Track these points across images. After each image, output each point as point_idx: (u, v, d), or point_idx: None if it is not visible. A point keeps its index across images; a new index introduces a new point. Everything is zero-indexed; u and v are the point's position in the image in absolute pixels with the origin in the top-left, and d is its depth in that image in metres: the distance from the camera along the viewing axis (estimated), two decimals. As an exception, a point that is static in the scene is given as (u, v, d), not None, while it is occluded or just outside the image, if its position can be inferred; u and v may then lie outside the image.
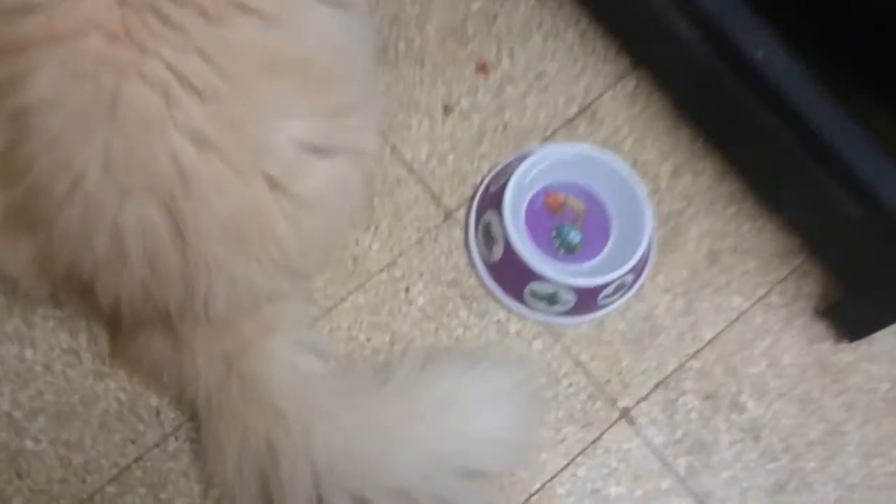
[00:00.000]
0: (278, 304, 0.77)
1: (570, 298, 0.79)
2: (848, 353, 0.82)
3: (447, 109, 0.88)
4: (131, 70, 0.61)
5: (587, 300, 0.80)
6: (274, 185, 0.67)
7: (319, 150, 0.68)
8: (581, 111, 0.88)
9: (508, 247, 0.79)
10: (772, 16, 0.74)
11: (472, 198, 0.85)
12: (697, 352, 0.82)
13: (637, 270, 0.81)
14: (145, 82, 0.61)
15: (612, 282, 0.78)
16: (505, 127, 0.87)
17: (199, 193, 0.64)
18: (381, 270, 0.83)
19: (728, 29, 0.74)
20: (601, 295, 0.79)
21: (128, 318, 0.73)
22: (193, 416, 0.78)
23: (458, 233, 0.85)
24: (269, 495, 0.74)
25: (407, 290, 0.83)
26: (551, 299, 0.80)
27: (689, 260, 0.85)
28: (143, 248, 0.66)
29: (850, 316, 0.81)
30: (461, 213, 0.85)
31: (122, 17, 0.61)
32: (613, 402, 0.80)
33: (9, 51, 0.62)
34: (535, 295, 0.80)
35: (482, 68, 0.89)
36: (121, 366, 0.81)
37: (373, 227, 0.84)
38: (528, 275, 0.79)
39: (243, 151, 0.65)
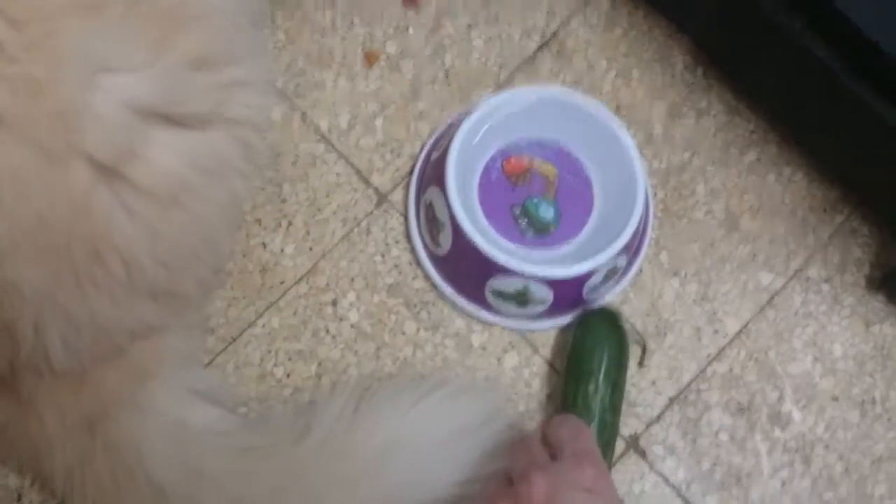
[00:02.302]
0: (153, 342, 0.55)
1: (546, 295, 0.56)
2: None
3: (370, 57, 0.63)
4: None
5: (569, 295, 0.57)
6: (102, 169, 0.43)
7: (171, 119, 0.45)
8: (544, 44, 0.64)
9: (458, 232, 0.56)
10: None
11: (411, 173, 0.61)
12: (721, 350, 0.59)
13: (631, 249, 0.58)
14: None
15: (600, 268, 0.55)
16: (446, 74, 0.63)
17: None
18: (300, 280, 0.60)
19: None
20: (586, 286, 0.56)
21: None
22: (63, 500, 0.56)
23: (395, 221, 0.61)
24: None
25: (334, 303, 0.60)
26: (521, 298, 0.56)
27: (700, 229, 0.61)
28: None
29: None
30: (398, 195, 0.61)
31: None
32: (615, 425, 0.58)
33: None
34: (499, 294, 0.57)
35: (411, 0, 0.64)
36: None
37: (284, 224, 0.61)
38: (488, 267, 0.55)
39: (51, 125, 0.41)
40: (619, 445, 0.57)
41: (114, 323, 0.50)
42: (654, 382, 0.58)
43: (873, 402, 0.58)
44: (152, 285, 0.49)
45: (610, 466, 0.56)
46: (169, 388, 0.54)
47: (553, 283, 0.56)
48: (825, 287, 0.60)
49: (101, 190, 0.44)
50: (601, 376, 0.56)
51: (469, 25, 0.64)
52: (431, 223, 0.59)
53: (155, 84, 0.45)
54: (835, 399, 0.58)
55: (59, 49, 0.42)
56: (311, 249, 0.61)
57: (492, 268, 0.56)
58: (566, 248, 0.59)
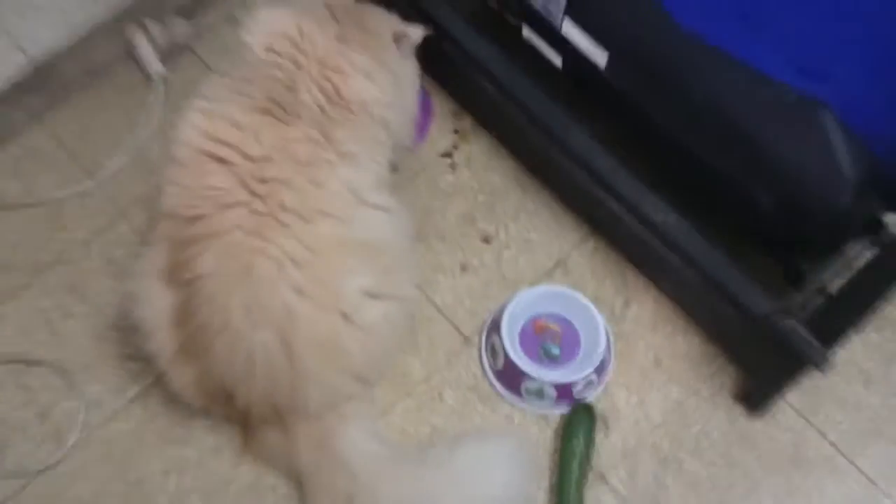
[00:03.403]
0: (351, 404, 1.04)
1: (552, 392, 1.04)
2: (757, 423, 1.03)
3: (463, 268, 1.17)
4: (258, 252, 0.92)
5: (565, 394, 1.04)
6: (346, 318, 0.95)
7: (374, 296, 0.98)
8: (556, 265, 1.17)
9: (508, 359, 1.05)
10: (664, 191, 1.02)
11: (482, 328, 1.12)
12: (650, 430, 1.05)
13: (599, 372, 1.05)
14: (267, 258, 0.92)
15: (581, 379, 1.03)
16: (503, 278, 1.16)
17: (300, 326, 0.93)
18: (422, 381, 1.10)
19: (639, 204, 1.02)
20: (575, 390, 1.04)
21: (254, 417, 1.01)
22: (297, 487, 1.03)
23: (473, 352, 1.11)
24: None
25: (440, 395, 1.09)
26: (539, 394, 1.04)
27: (639, 364, 1.09)
28: (266, 365, 0.94)
29: (754, 396, 1.03)
30: (475, 338, 1.12)
31: (253, 222, 0.93)
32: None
33: (187, 242, 0.94)
34: (528, 391, 1.05)
35: (486, 240, 1.19)
36: (249, 453, 1.07)
37: (416, 352, 1.11)
38: (522, 376, 1.04)
39: (327, 296, 0.94)
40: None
41: (340, 391, 1.00)
42: (613, 446, 1.03)
43: (736, 460, 1.01)
44: (359, 375, 1.00)
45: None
46: (357, 428, 1.02)
47: (556, 386, 1.04)
48: (710, 398, 1.06)
49: (344, 328, 0.96)
50: (581, 439, 1.02)
51: (515, 255, 1.18)
52: (493, 353, 1.08)
53: (371, 281, 0.98)
54: (714, 456, 1.02)
55: (332, 265, 0.95)
56: (428, 365, 1.11)
57: (524, 377, 1.04)
58: (565, 369, 1.07)
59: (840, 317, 0.88)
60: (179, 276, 0.96)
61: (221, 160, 0.96)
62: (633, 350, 1.10)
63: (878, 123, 0.87)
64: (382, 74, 1.04)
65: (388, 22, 1.09)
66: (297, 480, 1.03)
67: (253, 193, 0.93)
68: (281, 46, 1.00)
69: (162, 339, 0.99)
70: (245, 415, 1.02)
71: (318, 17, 1.03)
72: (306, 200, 0.95)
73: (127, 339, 1.12)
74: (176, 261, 0.96)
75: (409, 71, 1.12)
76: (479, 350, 1.12)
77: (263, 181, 0.93)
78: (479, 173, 1.24)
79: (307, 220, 0.95)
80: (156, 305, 0.98)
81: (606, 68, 1.03)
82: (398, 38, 1.07)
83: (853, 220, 0.89)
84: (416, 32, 1.09)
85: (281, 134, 0.96)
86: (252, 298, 0.93)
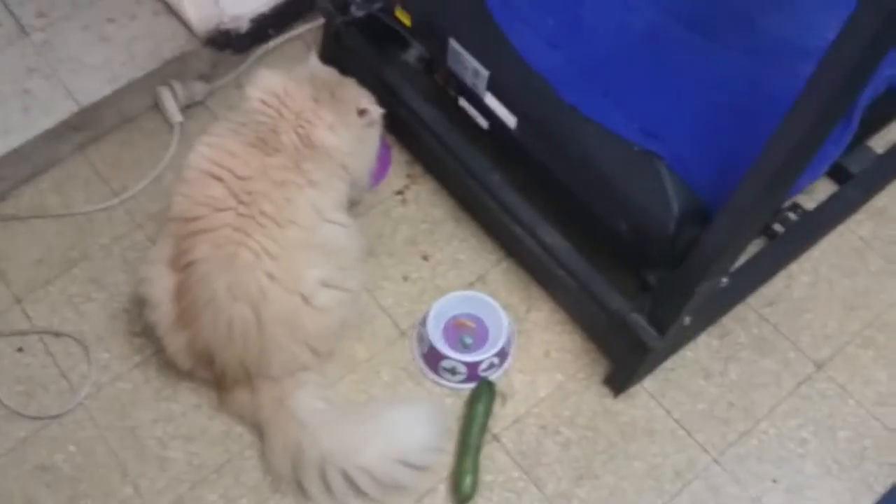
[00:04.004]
0: (306, 374, 1.31)
1: (463, 370, 1.32)
2: (619, 403, 1.31)
3: (405, 278, 1.46)
4: (241, 245, 1.21)
5: (472, 372, 1.32)
6: (305, 300, 1.24)
7: (328, 285, 1.27)
8: (478, 279, 1.47)
9: (430, 344, 1.34)
10: (554, 221, 1.33)
11: (415, 323, 1.41)
12: (536, 404, 1.32)
13: (500, 356, 1.34)
14: (248, 250, 1.21)
15: (484, 360, 1.32)
16: (436, 287, 1.46)
17: (269, 303, 1.22)
18: (365, 361, 1.38)
19: (536, 229, 1.33)
20: (480, 368, 1.32)
21: (228, 379, 1.29)
22: (260, 436, 1.29)
23: (407, 342, 1.40)
24: (297, 472, 1.24)
25: (378, 372, 1.37)
26: (453, 371, 1.32)
27: (533, 354, 1.38)
28: (241, 332, 1.23)
29: (617, 380, 1.31)
30: (410, 332, 1.41)
31: (239, 222, 1.22)
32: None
33: (188, 235, 1.24)
34: (444, 369, 1.33)
35: (425, 258, 1.49)
36: (222, 409, 1.34)
37: (361, 340, 1.40)
38: (441, 357, 1.32)
39: (291, 281, 1.23)
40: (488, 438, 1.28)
41: (298, 360, 1.28)
42: (507, 414, 1.30)
43: (592, 428, 1.28)
44: (313, 347, 1.28)
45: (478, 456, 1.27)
46: (309, 391, 1.29)
47: (466, 364, 1.32)
48: (584, 381, 1.33)
49: (303, 308, 1.25)
50: (482, 407, 1.29)
51: (447, 270, 1.47)
52: (421, 341, 1.36)
53: (326, 274, 1.27)
54: (583, 427, 1.28)
55: (297, 259, 1.25)
56: (371, 349, 1.39)
57: (442, 357, 1.32)
58: (476, 354, 1.35)
59: (667, 312, 1.17)
60: (180, 262, 1.25)
61: (218, 178, 1.25)
62: (531, 344, 1.39)
63: (697, 172, 1.19)
64: (344, 130, 1.33)
65: (357, 95, 1.37)
66: (260, 430, 1.30)
67: (240, 201, 1.23)
68: (270, 100, 1.32)
69: (163, 312, 1.27)
70: (221, 376, 1.29)
71: (301, 81, 1.35)
72: (280, 212, 1.24)
73: (134, 320, 1.42)
74: (178, 251, 1.25)
75: (369, 134, 1.41)
76: (411, 339, 1.40)
77: (249, 193, 1.23)
78: (424, 208, 1.55)
79: (280, 226, 1.24)
80: (161, 285, 1.27)
81: (515, 129, 1.35)
82: (360, 112, 1.35)
83: (678, 242, 1.19)
84: (377, 110, 1.37)
85: (264, 161, 1.26)
86: (234, 279, 1.21)
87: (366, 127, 1.38)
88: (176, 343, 1.29)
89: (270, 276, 1.22)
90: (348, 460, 1.23)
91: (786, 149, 0.92)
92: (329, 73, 1.40)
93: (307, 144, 1.29)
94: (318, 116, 1.31)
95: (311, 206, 1.28)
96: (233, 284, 1.21)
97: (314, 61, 1.40)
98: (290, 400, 1.28)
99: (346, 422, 1.28)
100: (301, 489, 1.25)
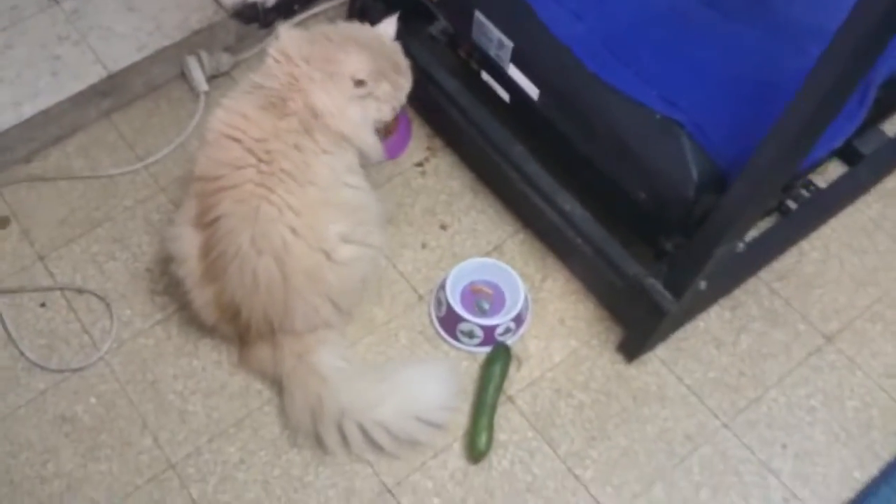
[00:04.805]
0: (327, 332, 1.33)
1: (479, 333, 1.33)
2: (632, 369, 1.32)
3: (423, 246, 1.48)
4: (264, 199, 1.22)
5: (489, 336, 1.33)
6: (327, 255, 1.25)
7: (348, 241, 1.28)
8: (494, 248, 1.48)
9: (449, 306, 1.35)
10: (572, 189, 1.34)
11: (433, 289, 1.42)
12: (551, 368, 1.33)
13: (517, 321, 1.35)
14: (270, 204, 1.22)
15: (501, 324, 1.33)
16: (454, 255, 1.47)
17: (293, 256, 1.23)
18: (383, 324, 1.39)
19: (554, 197, 1.34)
20: (496, 332, 1.33)
21: (252, 332, 1.30)
22: (279, 392, 1.30)
23: (425, 307, 1.41)
24: (316, 425, 1.25)
25: (396, 335, 1.38)
26: (470, 334, 1.33)
27: (548, 322, 1.39)
28: (266, 284, 1.24)
29: (631, 347, 1.32)
30: (427, 297, 1.42)
31: (260, 178, 1.23)
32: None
33: (211, 193, 1.24)
34: (462, 332, 1.34)
35: (443, 227, 1.50)
36: (243, 365, 1.35)
37: (381, 304, 1.41)
38: (458, 320, 1.33)
39: (314, 237, 1.24)
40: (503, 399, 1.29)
41: (320, 315, 1.29)
42: (533, 380, 1.31)
43: (612, 394, 1.29)
44: (336, 302, 1.30)
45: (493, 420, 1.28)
46: (331, 348, 1.31)
47: (483, 328, 1.33)
48: (598, 348, 1.35)
49: (325, 263, 1.26)
50: (498, 369, 1.30)
51: (465, 238, 1.49)
52: (438, 305, 1.38)
53: (347, 229, 1.28)
54: (597, 391, 1.30)
55: (320, 215, 1.27)
56: (389, 312, 1.40)
57: (460, 320, 1.33)
58: (493, 318, 1.36)
59: (683, 276, 1.19)
60: (204, 220, 1.25)
61: (236, 139, 1.24)
62: (546, 312, 1.40)
63: (715, 139, 1.21)
64: (335, 94, 1.24)
65: (354, 62, 1.26)
66: (280, 385, 1.31)
67: (260, 160, 1.22)
68: (282, 60, 1.26)
69: (190, 267, 1.28)
70: (246, 329, 1.30)
71: (310, 41, 1.28)
72: (300, 172, 1.24)
73: (156, 279, 1.43)
74: (202, 208, 1.26)
75: (367, 102, 1.29)
76: (429, 304, 1.41)
77: (268, 152, 1.23)
78: (443, 180, 1.56)
79: (300, 185, 1.24)
80: (187, 241, 1.28)
81: (538, 100, 1.37)
82: (356, 83, 1.26)
83: (697, 208, 1.21)
84: (381, 87, 1.29)
85: (276, 125, 1.23)
86: (258, 232, 1.22)
87: (364, 96, 1.29)
88: (203, 297, 1.30)
89: (293, 231, 1.22)
90: (366, 414, 1.24)
91: (804, 114, 0.94)
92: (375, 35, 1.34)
93: (312, 113, 1.24)
94: (308, 78, 1.24)
95: (330, 168, 1.27)
96: (257, 237, 1.22)
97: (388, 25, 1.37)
98: (311, 355, 1.29)
99: (365, 378, 1.29)
100: (319, 442, 1.26)
